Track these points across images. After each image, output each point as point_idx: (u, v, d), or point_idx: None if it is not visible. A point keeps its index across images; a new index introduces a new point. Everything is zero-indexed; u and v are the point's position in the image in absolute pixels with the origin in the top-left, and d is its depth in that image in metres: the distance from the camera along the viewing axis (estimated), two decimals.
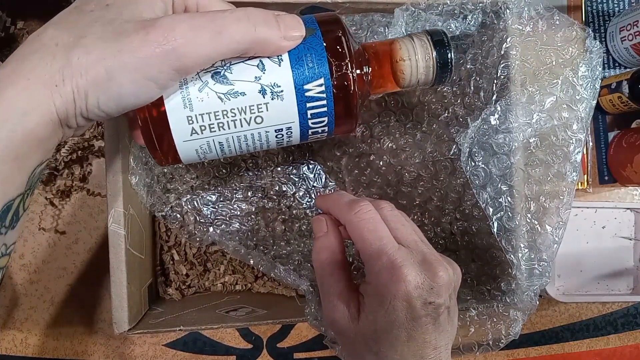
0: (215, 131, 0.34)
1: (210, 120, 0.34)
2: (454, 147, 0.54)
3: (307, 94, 0.34)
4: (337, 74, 0.34)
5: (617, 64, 0.73)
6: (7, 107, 0.29)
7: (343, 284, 0.42)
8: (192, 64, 0.31)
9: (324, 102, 0.34)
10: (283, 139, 0.36)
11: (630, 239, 0.72)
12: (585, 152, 0.72)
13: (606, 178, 0.73)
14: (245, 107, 0.34)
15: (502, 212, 0.46)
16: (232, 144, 0.36)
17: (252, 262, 0.51)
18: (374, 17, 0.49)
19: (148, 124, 0.34)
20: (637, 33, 0.67)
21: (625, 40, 0.70)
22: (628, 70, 0.70)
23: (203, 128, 0.34)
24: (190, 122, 0.34)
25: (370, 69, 0.38)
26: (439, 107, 0.55)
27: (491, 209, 0.46)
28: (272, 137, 0.36)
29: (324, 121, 0.36)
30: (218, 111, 0.34)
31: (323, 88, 0.34)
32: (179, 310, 0.51)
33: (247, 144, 0.36)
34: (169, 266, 0.60)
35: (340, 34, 0.35)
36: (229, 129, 0.34)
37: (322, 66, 0.34)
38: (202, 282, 0.60)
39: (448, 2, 0.47)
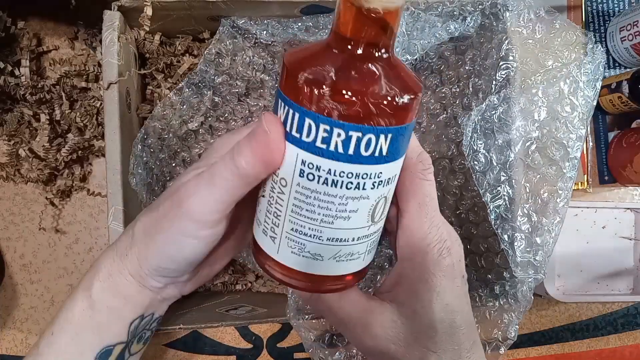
0: (277, 221, 0.32)
1: (267, 216, 0.33)
2: (453, 147, 0.54)
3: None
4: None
5: (617, 64, 0.73)
6: (97, 270, 0.38)
7: (364, 299, 0.36)
8: (199, 217, 0.33)
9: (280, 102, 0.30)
10: (312, 174, 0.30)
11: (630, 239, 0.72)
12: (585, 152, 0.72)
13: (606, 178, 0.73)
14: (273, 177, 0.32)
15: (500, 201, 0.46)
16: (302, 217, 0.31)
17: (241, 259, 0.50)
18: None
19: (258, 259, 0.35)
20: (637, 33, 0.67)
21: (625, 40, 0.70)
22: (628, 70, 0.70)
23: (268, 227, 0.33)
24: (265, 232, 0.33)
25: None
26: (438, 107, 0.55)
27: (489, 195, 0.46)
28: (303, 181, 0.30)
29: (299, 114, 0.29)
30: (265, 204, 0.33)
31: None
32: (179, 309, 0.51)
33: (309, 210, 0.31)
34: None
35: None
36: (279, 210, 0.32)
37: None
38: None
39: (447, 3, 0.47)
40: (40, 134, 0.58)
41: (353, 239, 0.32)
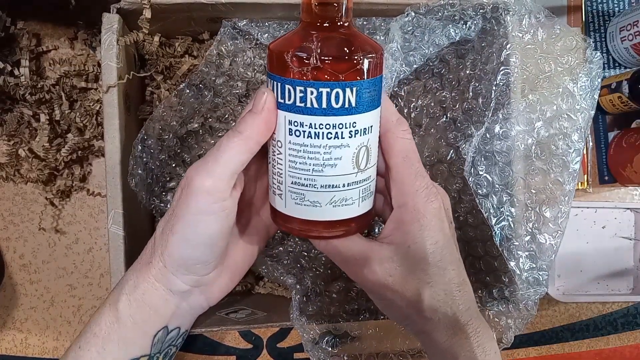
0: (281, 179, 0.38)
1: (274, 177, 0.39)
2: (451, 152, 0.54)
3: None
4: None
5: (617, 64, 0.73)
6: (124, 284, 0.40)
7: (365, 241, 0.40)
8: (211, 188, 0.36)
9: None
10: (298, 130, 0.36)
11: (630, 239, 0.73)
12: (585, 152, 0.72)
13: (606, 178, 0.73)
14: (272, 142, 0.38)
15: (504, 222, 0.47)
16: (297, 170, 0.37)
17: None
18: (375, 22, 0.49)
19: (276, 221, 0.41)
20: (637, 33, 0.67)
21: (625, 40, 0.69)
22: (628, 70, 0.70)
23: (275, 187, 0.39)
24: (274, 192, 0.39)
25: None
26: (438, 111, 0.55)
27: (494, 219, 0.46)
28: (293, 138, 0.36)
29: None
30: (271, 169, 0.39)
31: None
32: None
33: (302, 162, 0.37)
34: None
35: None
36: (281, 168, 0.38)
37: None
38: None
39: (449, 7, 0.47)
40: (40, 134, 0.58)
41: (344, 185, 0.37)
